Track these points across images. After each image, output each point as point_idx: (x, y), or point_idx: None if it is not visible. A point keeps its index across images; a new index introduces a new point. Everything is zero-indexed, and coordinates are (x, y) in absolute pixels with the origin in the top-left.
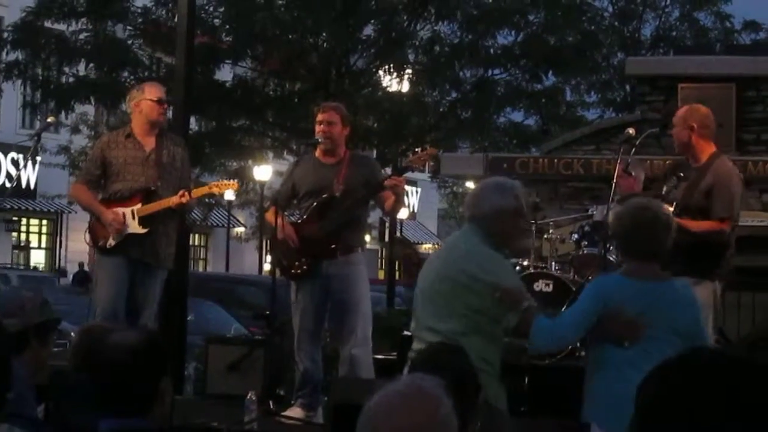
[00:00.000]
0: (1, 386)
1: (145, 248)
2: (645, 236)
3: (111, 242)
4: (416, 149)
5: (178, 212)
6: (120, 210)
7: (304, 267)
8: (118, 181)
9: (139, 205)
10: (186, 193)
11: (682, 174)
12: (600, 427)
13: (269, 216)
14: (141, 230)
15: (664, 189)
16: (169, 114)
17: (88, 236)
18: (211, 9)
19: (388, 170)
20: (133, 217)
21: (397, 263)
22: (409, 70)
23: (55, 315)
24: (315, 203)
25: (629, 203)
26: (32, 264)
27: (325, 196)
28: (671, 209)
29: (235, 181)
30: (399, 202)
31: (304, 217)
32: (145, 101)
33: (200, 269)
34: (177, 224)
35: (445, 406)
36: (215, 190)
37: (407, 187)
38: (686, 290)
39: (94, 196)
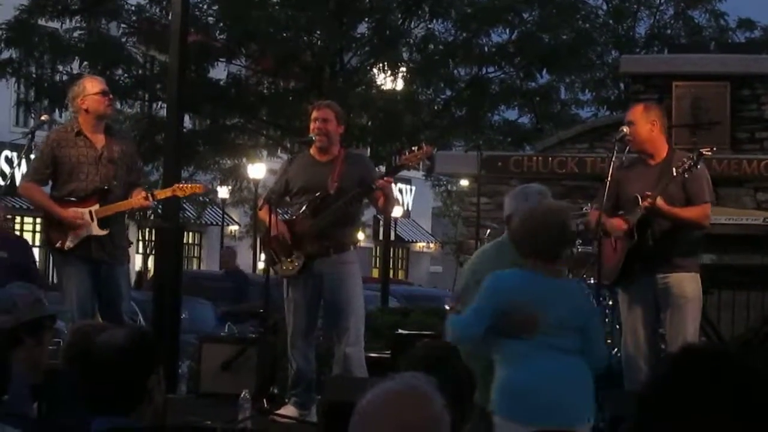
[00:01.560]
0: None
1: (106, 249)
2: (552, 238)
3: (69, 244)
4: (411, 147)
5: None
6: (78, 210)
7: (297, 264)
8: (71, 181)
9: (96, 206)
10: (150, 196)
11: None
12: (502, 416)
13: (262, 214)
14: (102, 232)
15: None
16: (163, 112)
17: (43, 237)
18: (205, 7)
19: (382, 168)
20: (92, 219)
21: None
22: (403, 69)
23: (49, 312)
24: (309, 201)
25: (539, 206)
26: None
27: (318, 193)
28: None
29: (201, 184)
30: (389, 202)
31: (298, 214)
32: (89, 97)
33: (194, 267)
34: (125, 218)
35: (437, 404)
36: (179, 193)
37: (401, 185)
38: (581, 290)
39: (47, 196)
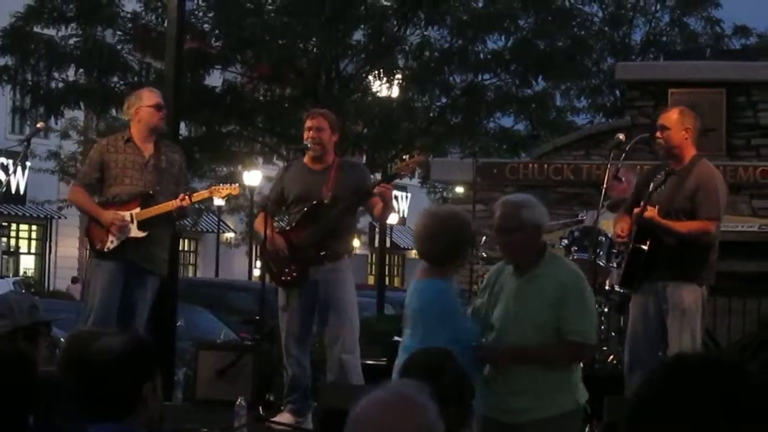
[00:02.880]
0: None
1: (141, 252)
2: (448, 242)
3: (110, 245)
4: (405, 155)
5: (173, 219)
6: (119, 213)
7: (294, 274)
8: (116, 185)
9: (137, 209)
10: (186, 197)
11: (660, 177)
12: None
13: (259, 222)
14: (140, 234)
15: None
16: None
17: (86, 241)
18: (201, 14)
19: (378, 176)
20: (132, 221)
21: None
22: (398, 76)
23: (45, 318)
24: (304, 210)
25: (438, 209)
26: (22, 269)
27: (314, 203)
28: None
29: (237, 185)
30: (388, 209)
31: (293, 224)
32: (143, 108)
33: (190, 275)
34: (171, 231)
35: (429, 413)
36: (216, 194)
37: (397, 192)
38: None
39: (92, 199)
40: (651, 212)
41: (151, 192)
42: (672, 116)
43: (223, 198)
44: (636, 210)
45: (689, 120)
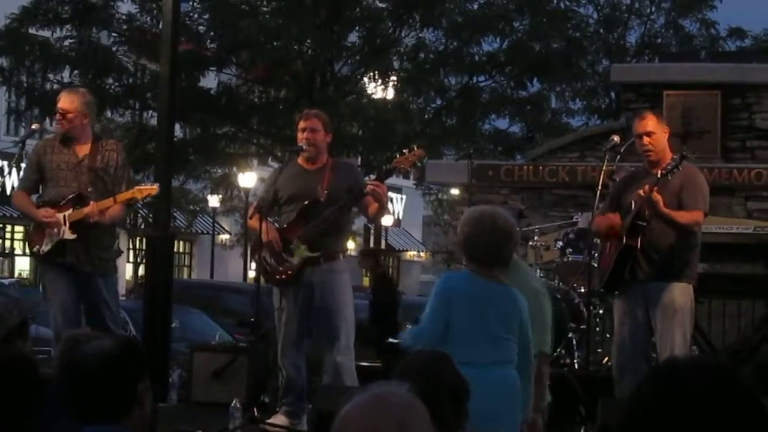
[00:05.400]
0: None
1: (79, 255)
2: (486, 242)
3: (44, 248)
4: (402, 151)
5: (110, 225)
6: (50, 210)
7: (289, 272)
8: (51, 186)
9: (70, 211)
10: (95, 205)
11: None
12: None
13: (253, 223)
14: (71, 236)
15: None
16: (153, 121)
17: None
18: (196, 16)
19: (372, 177)
20: (65, 223)
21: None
22: (393, 77)
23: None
24: (298, 208)
25: (474, 210)
26: (17, 271)
27: (309, 201)
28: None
29: (156, 185)
30: (381, 208)
31: (288, 222)
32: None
33: (185, 276)
34: (112, 230)
35: (415, 415)
36: (137, 195)
37: (392, 194)
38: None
39: (30, 202)
40: (657, 197)
41: (83, 193)
42: (651, 122)
43: (141, 199)
44: (641, 192)
45: (664, 122)
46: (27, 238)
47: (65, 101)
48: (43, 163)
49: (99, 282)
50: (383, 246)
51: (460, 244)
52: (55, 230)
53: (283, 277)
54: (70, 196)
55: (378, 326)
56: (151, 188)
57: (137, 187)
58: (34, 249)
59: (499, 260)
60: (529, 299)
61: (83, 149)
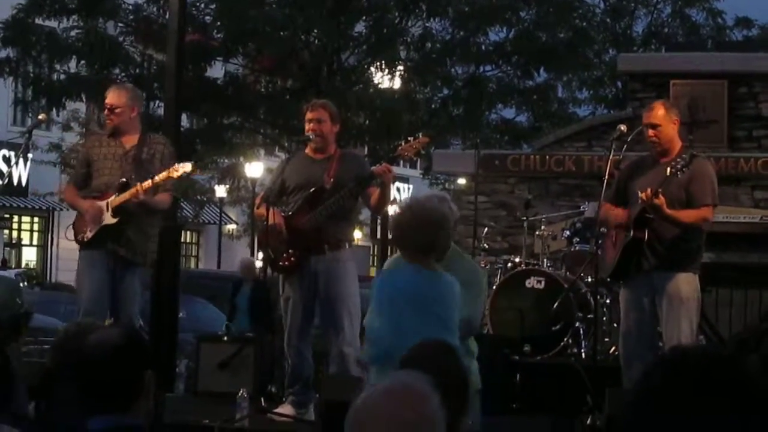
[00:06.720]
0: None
1: (120, 240)
2: (420, 232)
3: (88, 234)
4: (407, 139)
5: (156, 212)
6: (95, 201)
7: (293, 259)
8: (97, 177)
9: (113, 197)
10: (148, 181)
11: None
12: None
13: (260, 212)
14: (113, 220)
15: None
16: (160, 111)
17: (71, 233)
18: (203, 6)
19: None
20: (107, 209)
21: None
22: (400, 67)
23: (24, 308)
24: (305, 195)
25: (411, 199)
26: (24, 261)
27: (315, 188)
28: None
29: (191, 163)
30: (385, 195)
31: (294, 209)
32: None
33: (192, 266)
34: (154, 221)
35: (432, 402)
36: (173, 174)
37: (399, 184)
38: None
39: (77, 194)
40: (660, 201)
41: (126, 181)
42: (659, 113)
43: (178, 178)
44: (644, 194)
45: (674, 112)
46: (73, 227)
47: (112, 97)
48: (92, 157)
49: (136, 271)
50: (390, 236)
51: (392, 236)
52: (97, 217)
53: (287, 263)
54: (115, 185)
55: None
56: (185, 166)
57: (173, 167)
58: (78, 237)
59: (431, 249)
60: (467, 275)
61: (131, 141)
